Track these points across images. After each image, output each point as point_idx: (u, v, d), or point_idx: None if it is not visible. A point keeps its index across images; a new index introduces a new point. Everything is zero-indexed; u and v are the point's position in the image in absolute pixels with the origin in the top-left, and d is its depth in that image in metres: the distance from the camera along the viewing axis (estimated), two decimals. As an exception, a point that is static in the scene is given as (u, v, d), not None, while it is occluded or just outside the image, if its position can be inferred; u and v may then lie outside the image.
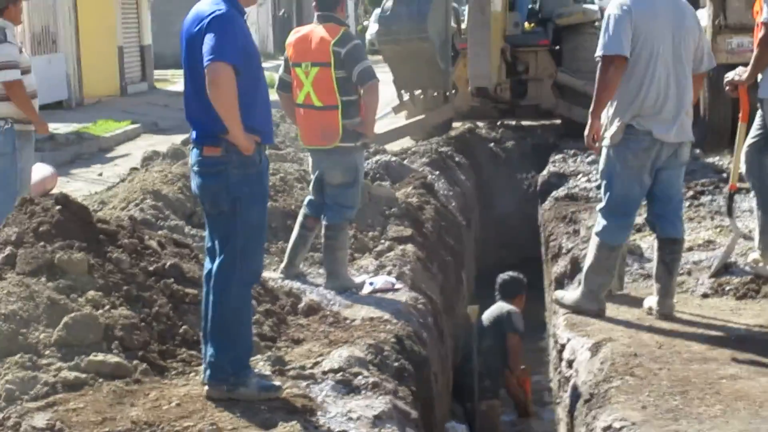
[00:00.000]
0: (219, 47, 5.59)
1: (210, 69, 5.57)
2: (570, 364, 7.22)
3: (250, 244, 5.98)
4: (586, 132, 7.53)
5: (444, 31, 13.64)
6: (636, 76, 7.27)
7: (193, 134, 6.09)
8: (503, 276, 9.43)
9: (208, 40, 5.63)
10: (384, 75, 8.92)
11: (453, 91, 15.99)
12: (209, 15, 5.72)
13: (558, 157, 13.83)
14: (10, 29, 9.68)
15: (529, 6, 16.76)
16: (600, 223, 7.63)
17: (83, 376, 6.09)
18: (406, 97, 16.25)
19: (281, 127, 14.01)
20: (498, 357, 9.17)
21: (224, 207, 5.90)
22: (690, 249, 8.59)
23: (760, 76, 8.06)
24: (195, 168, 6.05)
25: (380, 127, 8.99)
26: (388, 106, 17.53)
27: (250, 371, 5.97)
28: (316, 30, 8.22)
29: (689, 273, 8.21)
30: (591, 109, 7.48)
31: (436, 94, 16.04)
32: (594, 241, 7.72)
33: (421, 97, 16.18)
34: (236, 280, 5.91)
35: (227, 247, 5.91)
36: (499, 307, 9.40)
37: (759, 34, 7.97)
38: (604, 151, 7.50)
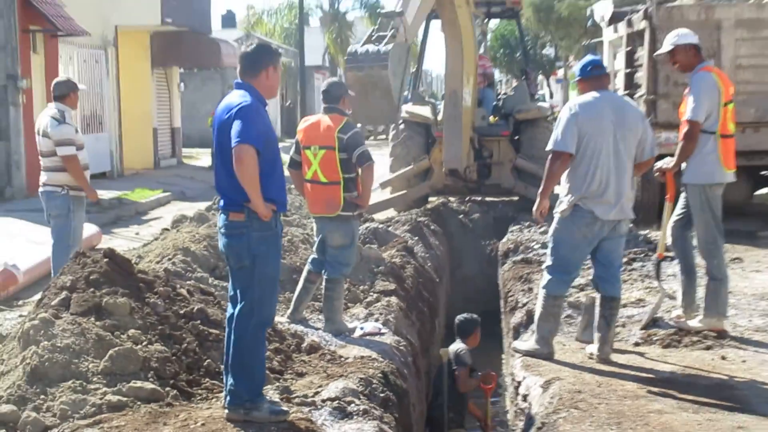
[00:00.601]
0: (244, 132, 5.67)
1: (236, 150, 5.63)
2: (525, 398, 7.19)
3: (265, 294, 6.00)
4: (534, 208, 7.65)
5: (402, 72, 13.70)
6: (582, 166, 7.30)
7: (221, 202, 6.08)
8: (459, 317, 9.38)
9: (236, 125, 5.70)
10: (378, 157, 8.96)
11: (430, 172, 15.98)
12: (237, 105, 5.79)
13: (516, 227, 13.82)
14: (68, 113, 9.71)
15: (494, 103, 16.89)
16: (545, 277, 7.67)
17: (124, 399, 6.09)
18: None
19: (288, 198, 14.09)
20: (445, 392, 9.09)
21: (245, 262, 5.90)
22: (624, 305, 8.55)
23: (683, 165, 8.10)
24: (222, 230, 6.07)
25: (370, 200, 9.11)
26: (376, 183, 17.61)
27: (263, 398, 5.94)
28: (323, 119, 8.24)
29: (623, 325, 8.20)
30: (540, 191, 7.59)
31: (416, 173, 16.05)
32: (541, 293, 7.74)
33: (409, 168, 16.19)
34: (253, 324, 5.92)
35: (246, 295, 5.93)
36: (454, 347, 9.34)
37: (683, 130, 8.04)
38: (555, 219, 7.53)
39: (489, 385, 8.85)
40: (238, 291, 6.01)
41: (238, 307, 5.95)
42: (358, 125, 16.05)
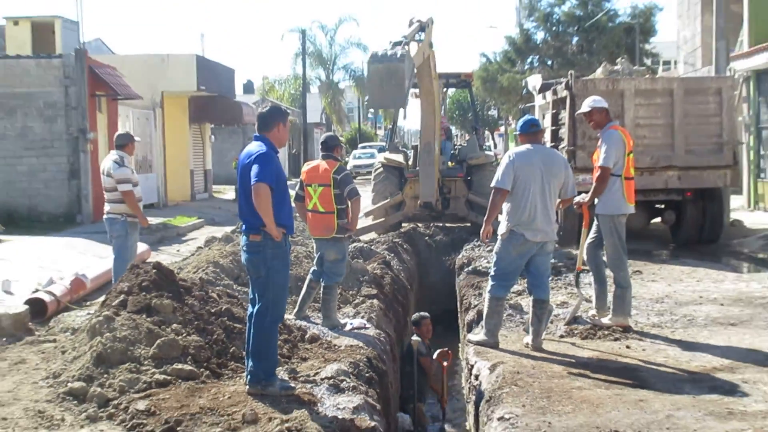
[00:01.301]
0: (261, 173, 5.78)
1: (255, 187, 5.75)
2: (476, 377, 7.15)
3: (277, 297, 6.08)
4: (481, 231, 7.64)
5: (411, 72, 13.69)
6: (516, 200, 7.33)
7: (243, 227, 6.19)
8: (414, 315, 9.45)
9: (255, 168, 5.81)
10: (363, 192, 8.98)
11: (403, 204, 16.00)
12: (256, 153, 5.92)
13: (468, 246, 13.80)
14: (127, 158, 9.73)
15: (451, 152, 16.95)
16: (490, 284, 7.66)
17: (169, 377, 6.17)
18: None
19: (294, 223, 14.13)
20: (415, 375, 9.06)
21: (262, 273, 6.00)
22: (554, 307, 8.56)
23: (596, 200, 8.15)
24: (244, 248, 6.16)
25: (357, 225, 9.16)
26: (362, 212, 17.64)
27: (275, 377, 6.02)
28: (321, 163, 8.25)
29: (551, 322, 8.18)
30: (485, 218, 7.59)
31: (392, 205, 16.06)
32: (487, 297, 7.73)
33: (386, 201, 16.17)
34: (268, 320, 6.01)
35: (263, 298, 6.01)
36: (411, 341, 9.33)
37: (596, 174, 8.10)
38: (498, 240, 7.55)
39: (446, 362, 8.86)
40: (256, 295, 6.09)
41: (257, 307, 6.03)
42: (371, 112, 16.16)
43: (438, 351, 8.72)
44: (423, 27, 15.04)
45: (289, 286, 6.52)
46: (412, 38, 13.52)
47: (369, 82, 13.68)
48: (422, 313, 9.54)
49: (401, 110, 15.61)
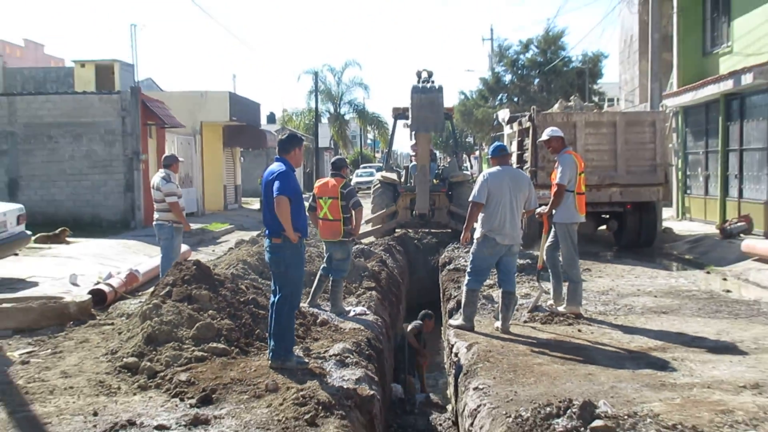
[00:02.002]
0: (282, 187, 5.83)
1: (277, 199, 5.80)
2: (456, 355, 7.14)
3: (294, 289, 6.11)
4: (461, 237, 7.74)
5: (442, 101, 13.77)
6: (489, 211, 7.35)
7: (267, 231, 6.18)
8: (420, 314, 9.40)
9: (276, 183, 5.86)
10: (365, 203, 8.99)
11: (396, 213, 15.99)
12: (277, 171, 5.98)
13: (450, 248, 13.73)
14: (173, 175, 9.73)
15: (436, 171, 16.90)
16: (467, 278, 7.68)
17: (205, 354, 6.16)
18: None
19: (310, 229, 14.17)
20: (406, 353, 9.07)
21: (281, 269, 6.05)
22: (519, 298, 8.56)
23: (554, 211, 8.17)
24: (267, 249, 6.19)
25: (359, 231, 9.18)
26: (363, 220, 17.66)
27: (292, 354, 6.03)
28: (330, 180, 8.23)
29: (517, 310, 8.17)
30: (464, 226, 7.67)
31: (388, 214, 16.05)
32: (464, 289, 7.73)
33: (382, 211, 16.17)
34: (287, 308, 6.04)
35: (282, 290, 6.05)
36: (413, 324, 9.32)
37: (553, 190, 8.12)
38: (474, 243, 7.55)
39: (425, 360, 8.91)
40: (277, 287, 6.10)
41: (277, 297, 6.05)
42: (369, 138, 16.23)
43: (414, 324, 8.94)
44: (430, 74, 15.28)
45: (303, 280, 6.52)
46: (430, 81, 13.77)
47: (413, 110, 13.67)
48: (428, 312, 9.51)
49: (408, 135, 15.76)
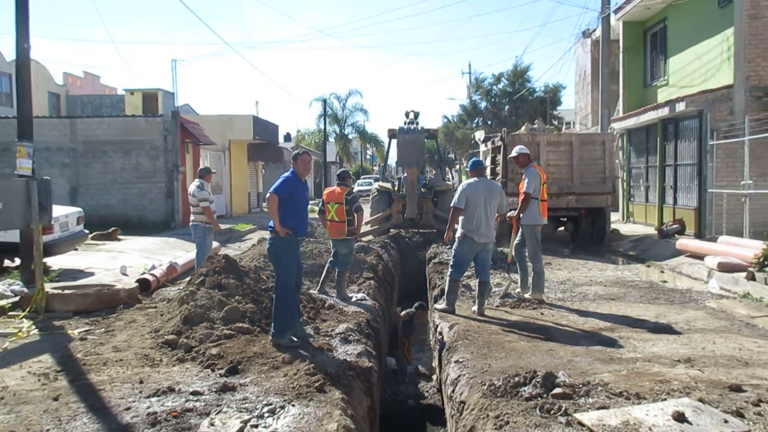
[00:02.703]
0: (275, 187, 5.91)
1: (268, 195, 5.91)
2: (440, 333, 7.13)
3: (284, 273, 6.00)
4: (445, 236, 7.71)
5: (423, 141, 13.77)
6: (468, 215, 7.32)
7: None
8: (416, 303, 9.33)
9: (274, 184, 5.98)
10: (365, 207, 8.99)
11: (390, 217, 15.95)
12: (281, 176, 6.08)
13: (435, 245, 13.75)
14: (206, 184, 9.69)
15: (424, 182, 16.86)
16: (449, 270, 7.65)
17: (233, 332, 6.12)
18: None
19: (319, 229, 14.13)
20: (399, 334, 9.05)
21: (272, 258, 6.17)
22: (492, 287, 8.54)
23: (521, 215, 8.15)
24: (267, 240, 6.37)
25: (361, 230, 9.19)
26: (364, 221, 17.62)
27: (285, 332, 5.92)
28: (336, 188, 8.20)
29: (491, 296, 8.16)
30: (447, 227, 7.65)
31: (383, 217, 16.01)
32: (447, 279, 7.73)
33: (379, 214, 16.13)
34: (279, 289, 5.98)
35: (275, 277, 6.10)
36: (407, 311, 9.27)
37: (521, 198, 8.11)
38: (455, 241, 7.52)
39: (405, 343, 8.90)
40: (274, 272, 6.15)
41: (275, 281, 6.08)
42: (368, 154, 16.26)
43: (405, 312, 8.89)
44: (417, 115, 15.27)
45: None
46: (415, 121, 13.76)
47: (399, 148, 13.61)
48: (422, 303, 9.43)
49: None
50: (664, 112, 15.12)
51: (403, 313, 9.20)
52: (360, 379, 5.20)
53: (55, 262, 11.06)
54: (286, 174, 6.03)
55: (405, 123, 16.24)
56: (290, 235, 5.91)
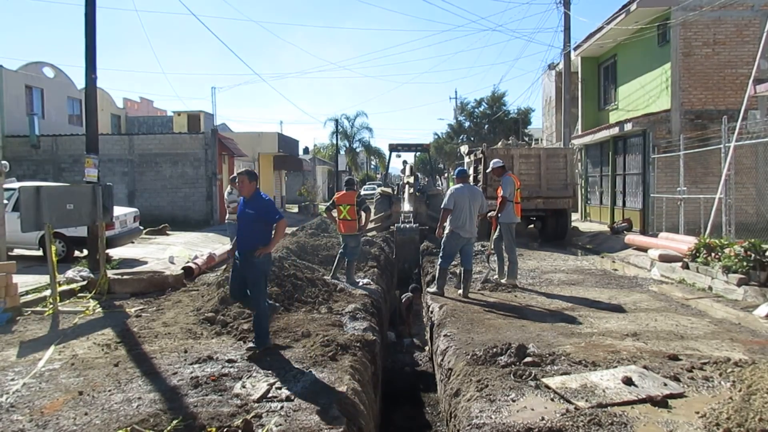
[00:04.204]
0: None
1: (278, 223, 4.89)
2: (431, 312, 7.11)
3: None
4: (437, 232, 7.58)
5: (418, 238, 12.28)
6: (455, 214, 7.26)
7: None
8: (412, 286, 9.27)
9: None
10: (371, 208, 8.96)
11: (391, 216, 15.84)
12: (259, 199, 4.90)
13: (427, 240, 13.66)
14: (235, 190, 9.62)
15: (418, 187, 16.74)
16: (439, 260, 7.58)
17: (261, 311, 5.97)
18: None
19: (332, 226, 14.02)
20: (397, 311, 8.99)
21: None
22: (474, 273, 8.50)
23: (499, 215, 8.11)
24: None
25: (367, 227, 9.12)
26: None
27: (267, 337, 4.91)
28: (347, 192, 8.17)
29: (473, 282, 8.12)
30: (438, 225, 7.54)
31: (385, 217, 15.87)
32: (437, 267, 7.67)
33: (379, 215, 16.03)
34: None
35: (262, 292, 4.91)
36: (406, 294, 9.21)
37: (499, 201, 8.07)
38: (445, 236, 7.44)
39: (407, 324, 8.85)
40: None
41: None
42: (372, 163, 15.86)
43: (405, 296, 8.77)
44: (411, 168, 15.22)
45: (327, 259, 6.41)
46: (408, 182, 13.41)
47: (396, 246, 13.01)
48: (416, 285, 9.31)
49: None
50: (615, 131, 15.08)
51: (404, 299, 9.13)
52: (365, 350, 5.20)
53: (115, 252, 11.05)
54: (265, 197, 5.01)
55: (401, 171, 16.05)
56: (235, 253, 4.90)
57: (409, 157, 19.26)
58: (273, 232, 4.81)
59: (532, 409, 3.59)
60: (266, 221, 4.71)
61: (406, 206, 13.60)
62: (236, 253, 4.87)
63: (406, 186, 14.35)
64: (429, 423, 5.46)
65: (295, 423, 3.44)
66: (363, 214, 8.05)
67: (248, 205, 4.80)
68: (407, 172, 15.82)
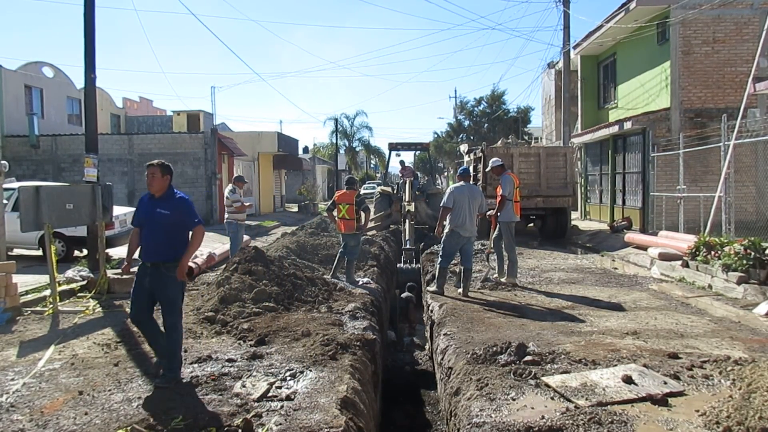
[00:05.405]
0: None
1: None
2: (431, 311, 7.10)
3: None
4: (435, 231, 7.62)
5: (421, 279, 12.34)
6: (455, 213, 7.26)
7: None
8: (408, 284, 9.23)
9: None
10: (370, 207, 8.93)
11: (391, 215, 15.87)
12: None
13: (427, 238, 13.64)
14: (237, 189, 9.68)
15: (418, 186, 16.76)
16: (439, 259, 7.59)
17: (260, 310, 6.06)
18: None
19: (331, 226, 14.02)
20: (398, 310, 8.95)
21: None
22: (474, 272, 8.50)
23: (498, 214, 8.10)
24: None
25: (367, 226, 9.07)
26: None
27: (178, 368, 4.10)
28: (346, 192, 8.16)
29: (473, 281, 8.11)
30: (438, 223, 7.52)
31: (385, 216, 15.92)
32: (437, 266, 7.66)
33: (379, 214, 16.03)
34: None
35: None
36: (405, 294, 9.20)
37: (498, 199, 8.07)
38: (444, 235, 7.44)
39: (412, 322, 8.85)
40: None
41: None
42: (371, 163, 15.95)
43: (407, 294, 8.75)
44: (416, 175, 15.24)
45: (327, 259, 6.41)
46: (412, 196, 13.34)
47: (399, 287, 12.85)
48: (413, 285, 9.35)
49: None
50: (615, 129, 15.07)
51: (405, 296, 9.11)
52: (365, 349, 5.19)
53: (115, 252, 11.04)
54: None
55: (399, 172, 16.06)
56: (140, 264, 3.93)
57: (409, 156, 19.31)
58: (189, 240, 3.89)
59: (532, 408, 3.59)
60: (185, 225, 3.81)
61: (407, 198, 13.59)
62: (141, 266, 3.86)
63: (406, 183, 14.34)
64: (429, 422, 5.47)
65: (295, 422, 3.44)
66: (363, 214, 8.02)
67: (160, 205, 3.90)
68: (400, 167, 15.82)
